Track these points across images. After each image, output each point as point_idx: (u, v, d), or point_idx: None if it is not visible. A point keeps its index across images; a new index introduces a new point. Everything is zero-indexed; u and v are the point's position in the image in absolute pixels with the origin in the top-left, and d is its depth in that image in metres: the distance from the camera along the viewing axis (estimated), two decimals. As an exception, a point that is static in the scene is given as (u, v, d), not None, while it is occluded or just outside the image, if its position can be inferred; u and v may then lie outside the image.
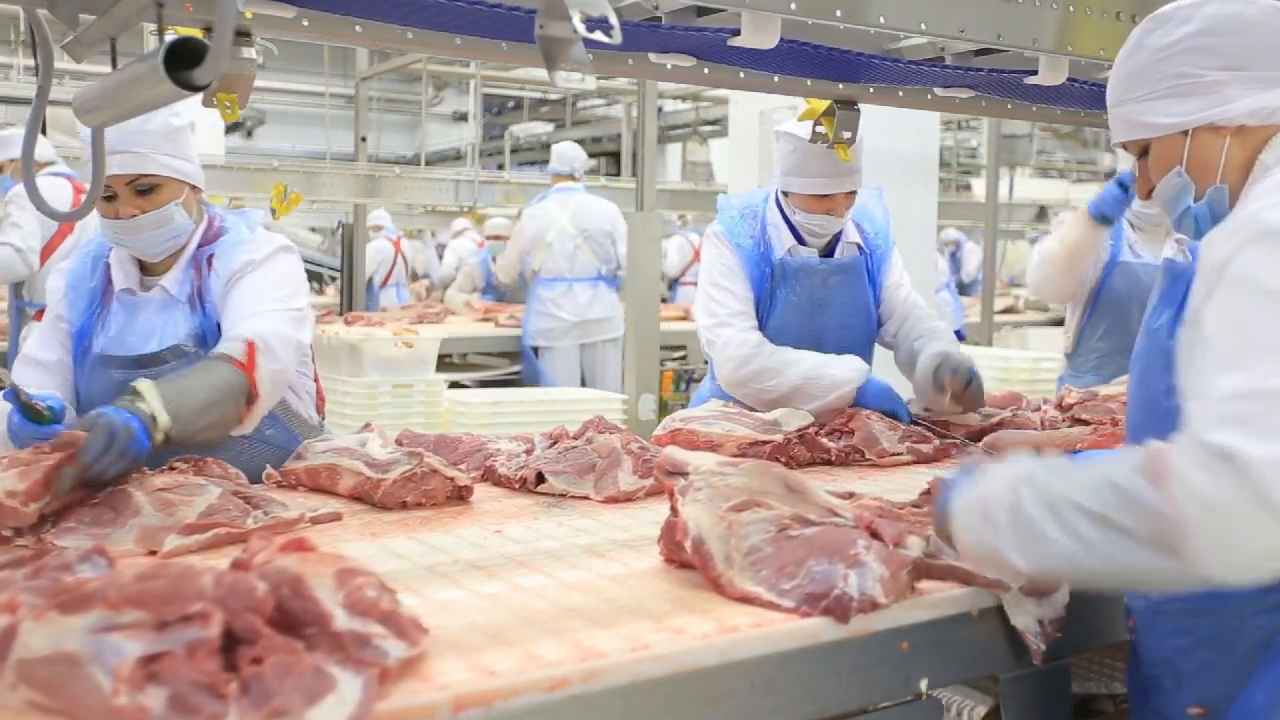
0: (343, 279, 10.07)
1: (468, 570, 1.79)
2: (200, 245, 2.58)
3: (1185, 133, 1.69)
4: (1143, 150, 1.77)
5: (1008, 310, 10.94)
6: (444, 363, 6.57)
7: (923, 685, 1.65)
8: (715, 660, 1.47)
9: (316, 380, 2.80)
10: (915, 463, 2.70)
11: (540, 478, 2.34)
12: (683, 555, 1.73)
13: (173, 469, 2.13)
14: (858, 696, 1.61)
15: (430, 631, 1.41)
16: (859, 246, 3.28)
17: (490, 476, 2.44)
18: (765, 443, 2.61)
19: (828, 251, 3.25)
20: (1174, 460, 1.34)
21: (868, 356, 3.34)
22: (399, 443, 2.49)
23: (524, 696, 1.33)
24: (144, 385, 2.15)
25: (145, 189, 2.46)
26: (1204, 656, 1.63)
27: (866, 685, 1.61)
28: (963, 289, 12.90)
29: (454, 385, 6.56)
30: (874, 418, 2.73)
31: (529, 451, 2.46)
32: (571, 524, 2.11)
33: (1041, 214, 13.04)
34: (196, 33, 1.79)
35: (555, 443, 2.47)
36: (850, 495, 1.88)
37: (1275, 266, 1.43)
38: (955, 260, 14.05)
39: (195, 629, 1.23)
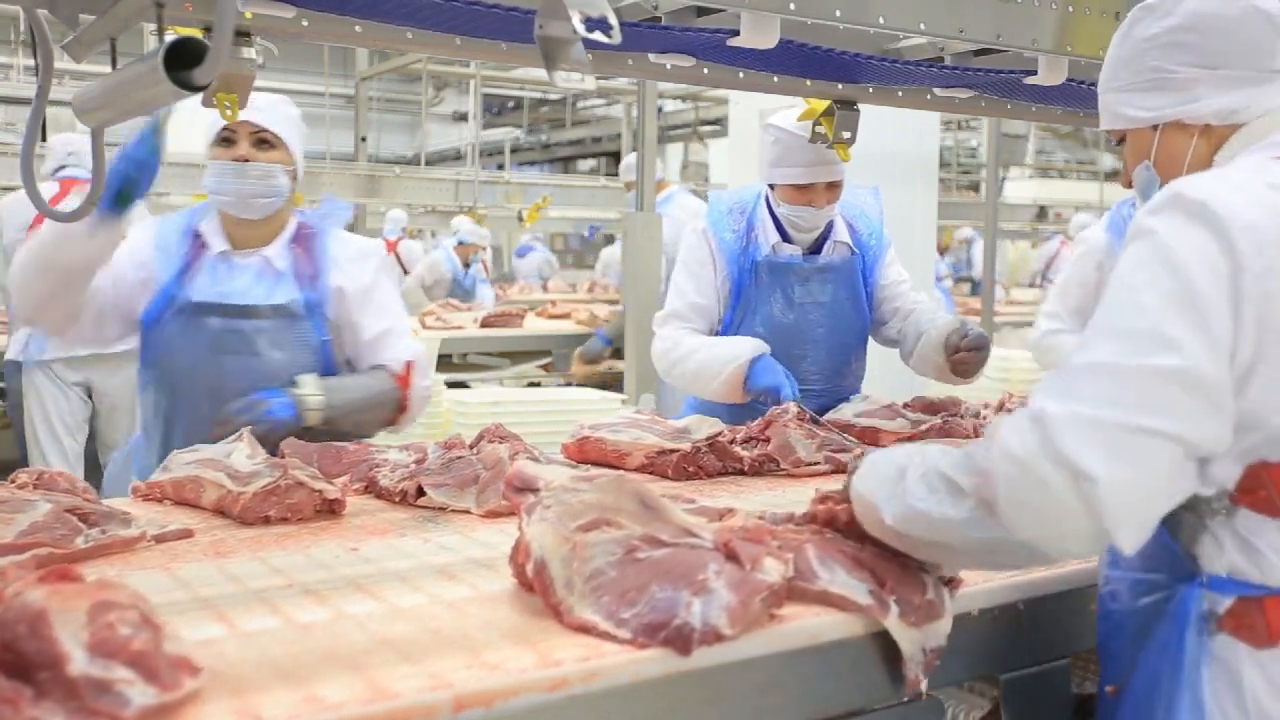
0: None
1: (297, 595, 1.65)
2: (298, 232, 2.81)
3: (1155, 127, 1.71)
4: (1121, 138, 1.80)
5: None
6: (445, 363, 6.43)
7: (923, 685, 1.60)
8: (715, 660, 1.44)
9: None
10: (833, 472, 2.53)
11: (421, 490, 2.18)
12: (528, 578, 1.58)
13: (12, 481, 1.98)
14: (858, 696, 1.58)
15: (204, 670, 1.26)
16: (850, 247, 3.25)
17: (373, 489, 2.28)
18: (673, 451, 2.45)
19: (815, 250, 3.22)
20: (1002, 424, 1.42)
21: (861, 355, 3.32)
22: (281, 453, 2.34)
23: (524, 696, 1.31)
24: (304, 377, 2.60)
25: (263, 143, 2.71)
26: (1117, 638, 1.65)
27: (867, 685, 1.58)
28: (975, 287, 12.72)
29: (454, 385, 6.43)
30: (791, 425, 2.56)
31: (419, 461, 2.30)
32: (438, 541, 1.96)
33: (1042, 214, 12.82)
34: (196, 33, 1.80)
35: (449, 451, 2.31)
36: (727, 511, 1.71)
37: (1137, 262, 1.45)
38: (969, 257, 13.87)
39: (-115, 676, 1.08)
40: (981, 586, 1.71)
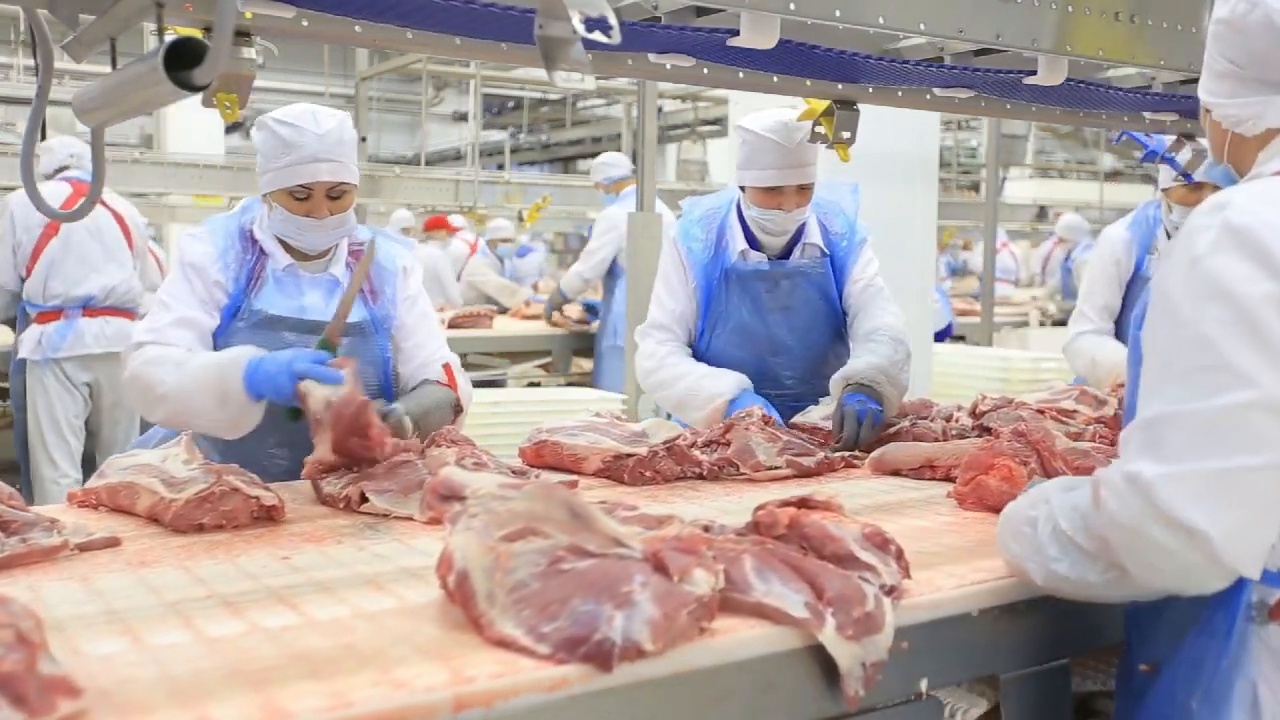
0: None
1: (214, 607, 1.58)
2: (349, 249, 2.79)
3: (1208, 110, 1.69)
4: None
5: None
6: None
7: (923, 685, 1.62)
8: (715, 660, 1.43)
9: None
10: (794, 477, 2.46)
11: (365, 496, 2.11)
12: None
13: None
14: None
15: (85, 690, 1.20)
16: (821, 249, 3.18)
17: (318, 494, 2.21)
18: (629, 456, 2.38)
19: (785, 254, 3.16)
20: (1101, 488, 1.48)
21: (841, 354, 3.22)
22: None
23: (524, 696, 1.30)
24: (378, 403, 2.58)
25: (338, 195, 2.64)
26: (1153, 617, 1.65)
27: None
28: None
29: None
30: (753, 428, 2.49)
31: (369, 466, 2.22)
32: (373, 549, 1.89)
33: (1042, 214, 12.73)
34: (196, 33, 1.82)
35: (397, 456, 2.23)
36: (667, 518, 1.64)
37: (1187, 294, 1.46)
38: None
39: None
40: (981, 587, 1.70)
